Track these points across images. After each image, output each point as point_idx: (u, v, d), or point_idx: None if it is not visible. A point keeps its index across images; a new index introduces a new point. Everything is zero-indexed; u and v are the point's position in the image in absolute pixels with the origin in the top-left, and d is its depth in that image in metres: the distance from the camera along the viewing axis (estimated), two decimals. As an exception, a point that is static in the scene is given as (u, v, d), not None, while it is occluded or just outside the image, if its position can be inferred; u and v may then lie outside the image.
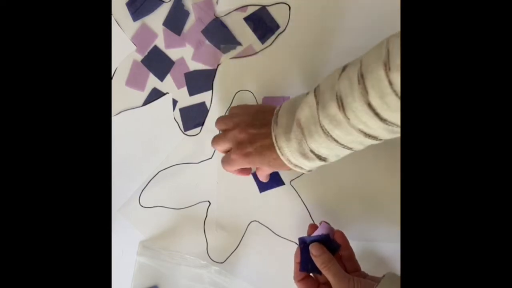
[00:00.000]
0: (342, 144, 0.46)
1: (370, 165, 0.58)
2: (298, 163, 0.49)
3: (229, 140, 0.53)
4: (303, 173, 0.53)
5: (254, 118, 0.52)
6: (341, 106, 0.44)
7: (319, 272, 0.51)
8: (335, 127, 0.45)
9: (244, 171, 0.56)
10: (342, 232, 0.54)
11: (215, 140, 0.55)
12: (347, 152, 0.48)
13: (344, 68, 0.46)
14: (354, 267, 0.53)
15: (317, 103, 0.46)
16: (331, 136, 0.45)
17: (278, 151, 0.49)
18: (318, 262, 0.51)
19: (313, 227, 0.55)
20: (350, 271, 0.52)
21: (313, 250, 0.52)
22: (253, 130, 0.51)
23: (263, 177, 0.57)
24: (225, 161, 0.54)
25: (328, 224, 0.54)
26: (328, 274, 0.50)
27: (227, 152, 0.54)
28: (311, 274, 0.53)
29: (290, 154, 0.49)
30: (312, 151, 0.47)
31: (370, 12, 0.59)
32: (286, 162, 0.50)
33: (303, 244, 0.53)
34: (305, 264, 0.53)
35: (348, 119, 0.44)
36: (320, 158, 0.48)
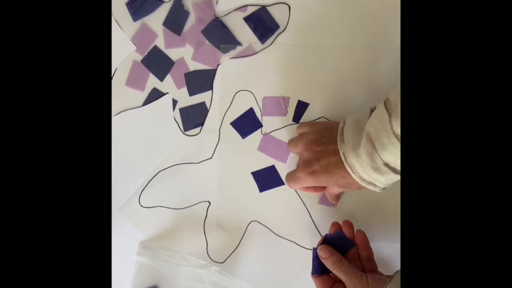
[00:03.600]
0: None
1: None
2: (371, 180, 0.47)
3: (300, 159, 0.54)
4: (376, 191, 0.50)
5: (321, 135, 0.52)
6: None
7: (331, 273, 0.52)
8: None
9: (317, 188, 0.56)
10: (363, 232, 0.54)
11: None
12: None
13: None
14: (371, 268, 0.53)
15: (390, 115, 0.44)
16: None
17: (349, 169, 0.48)
18: (328, 264, 0.52)
19: (336, 225, 0.55)
20: (367, 271, 0.52)
21: (321, 253, 0.52)
22: (318, 148, 0.51)
23: (333, 197, 0.56)
24: (290, 180, 0.55)
25: (351, 224, 0.54)
26: (339, 274, 0.50)
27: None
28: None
29: (362, 171, 0.47)
30: (386, 164, 0.45)
31: (370, 12, 0.59)
32: (358, 180, 0.48)
33: (314, 249, 0.54)
34: (317, 267, 0.53)
35: None
36: (395, 171, 0.46)
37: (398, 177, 0.47)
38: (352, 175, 0.48)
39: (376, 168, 0.46)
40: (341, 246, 0.53)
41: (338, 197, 0.57)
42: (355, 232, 0.54)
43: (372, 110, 0.48)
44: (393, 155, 0.44)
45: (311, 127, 0.55)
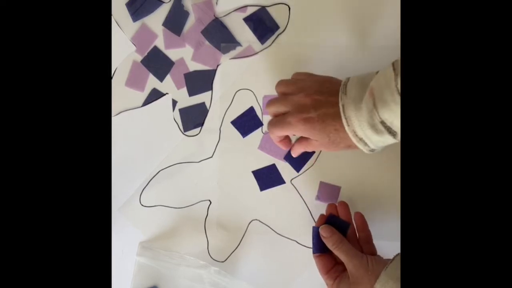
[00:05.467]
0: None
1: (370, 164, 0.58)
2: (363, 136, 0.47)
3: (289, 103, 0.51)
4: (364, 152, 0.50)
5: (322, 86, 0.50)
6: None
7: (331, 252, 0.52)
8: None
9: (286, 142, 0.54)
10: (361, 214, 0.54)
11: (272, 101, 0.52)
12: None
13: None
14: (370, 250, 0.53)
15: (396, 75, 0.43)
16: None
17: (344, 122, 0.47)
18: (328, 244, 0.52)
19: (331, 206, 0.55)
20: (366, 254, 0.51)
21: (323, 232, 0.52)
22: (319, 97, 0.49)
23: (298, 151, 0.55)
24: (277, 124, 0.52)
25: (346, 204, 0.55)
26: (340, 254, 0.50)
27: (279, 115, 0.52)
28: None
29: (358, 125, 0.46)
30: (383, 123, 0.45)
31: (369, 12, 0.60)
32: (350, 135, 0.48)
33: (313, 228, 0.54)
34: (317, 245, 0.53)
35: None
36: (390, 131, 0.45)
37: (390, 140, 0.47)
38: (346, 128, 0.47)
39: (373, 125, 0.46)
40: (336, 228, 0.53)
41: (299, 153, 0.56)
42: (352, 214, 0.54)
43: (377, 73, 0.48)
44: (392, 113, 0.44)
45: (310, 76, 0.53)
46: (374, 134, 0.46)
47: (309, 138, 0.52)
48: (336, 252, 0.51)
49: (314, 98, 0.49)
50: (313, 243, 0.54)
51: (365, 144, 0.48)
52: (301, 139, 0.54)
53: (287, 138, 0.55)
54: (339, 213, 0.55)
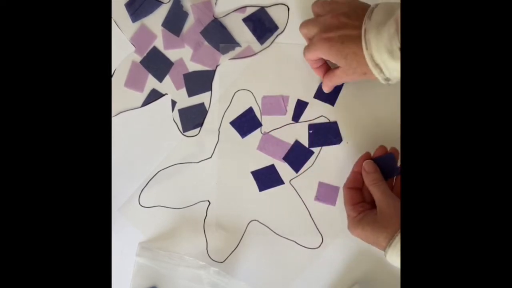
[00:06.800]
0: None
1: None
2: (380, 62, 0.47)
3: (319, 24, 0.52)
4: (380, 82, 0.50)
5: (352, 9, 0.51)
6: None
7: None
8: None
9: (321, 68, 0.56)
10: None
11: (304, 22, 0.54)
12: None
13: None
14: None
15: None
16: None
17: (363, 45, 0.47)
18: (368, 179, 0.52)
19: (382, 149, 0.54)
20: None
21: (366, 166, 0.52)
22: (345, 19, 0.50)
23: (328, 85, 0.56)
24: (306, 47, 0.54)
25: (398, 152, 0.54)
26: (377, 191, 0.50)
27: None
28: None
29: (376, 49, 0.46)
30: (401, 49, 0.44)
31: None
32: (367, 58, 0.48)
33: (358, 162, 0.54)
34: (353, 179, 0.54)
35: None
36: None
37: None
38: (365, 51, 0.47)
39: (391, 51, 0.45)
40: (385, 170, 0.53)
41: (331, 87, 0.57)
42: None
43: None
44: None
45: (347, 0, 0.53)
46: (391, 59, 0.46)
47: (333, 69, 0.53)
48: (374, 189, 0.51)
49: (340, 20, 0.50)
50: (349, 175, 0.55)
51: (381, 70, 0.48)
52: (328, 72, 0.55)
53: (323, 66, 0.56)
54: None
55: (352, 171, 0.55)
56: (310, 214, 0.59)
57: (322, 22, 0.51)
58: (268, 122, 0.60)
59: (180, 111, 0.61)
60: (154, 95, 0.61)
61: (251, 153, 0.60)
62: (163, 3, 0.61)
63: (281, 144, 0.60)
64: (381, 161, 0.53)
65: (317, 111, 0.60)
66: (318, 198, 0.59)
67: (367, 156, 0.54)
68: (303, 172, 0.59)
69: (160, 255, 0.59)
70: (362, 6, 0.51)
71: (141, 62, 0.61)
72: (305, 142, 0.60)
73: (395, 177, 0.54)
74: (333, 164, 0.59)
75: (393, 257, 0.47)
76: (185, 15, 0.61)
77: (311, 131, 0.59)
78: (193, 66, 0.61)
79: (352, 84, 0.59)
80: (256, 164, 0.60)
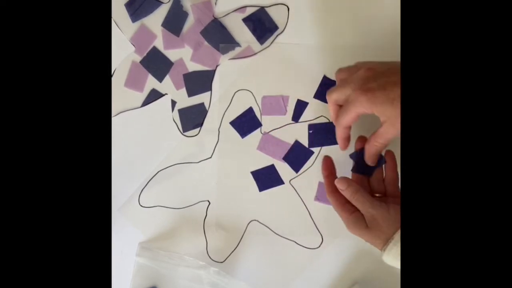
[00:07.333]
0: None
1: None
2: None
3: (352, 82, 0.49)
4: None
5: (378, 63, 0.49)
6: None
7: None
8: None
9: (347, 140, 0.53)
10: (393, 152, 0.53)
11: (333, 88, 0.51)
12: None
13: None
14: (395, 193, 0.52)
15: None
16: None
17: None
18: (346, 195, 0.51)
19: (362, 139, 0.54)
20: (389, 196, 0.51)
21: (339, 185, 0.51)
22: (380, 69, 0.48)
23: (370, 153, 0.52)
24: (341, 111, 0.50)
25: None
26: (359, 205, 0.50)
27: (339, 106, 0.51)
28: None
29: None
30: None
31: (368, 13, 0.60)
32: None
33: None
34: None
35: None
36: None
37: None
38: None
39: None
40: (364, 164, 0.53)
41: (377, 155, 0.52)
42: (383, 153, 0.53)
43: None
44: None
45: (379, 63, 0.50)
46: None
47: (373, 134, 0.50)
48: (355, 203, 0.50)
49: (375, 70, 0.48)
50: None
51: None
52: (367, 140, 0.52)
53: (349, 136, 0.53)
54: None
55: (323, 177, 0.55)
56: (310, 214, 0.59)
57: (356, 79, 0.48)
58: (268, 122, 0.60)
59: (180, 111, 0.61)
60: (154, 95, 0.61)
61: (251, 153, 0.60)
62: (163, 3, 0.61)
63: (281, 144, 0.60)
64: (361, 156, 0.53)
65: (317, 111, 0.60)
66: (318, 198, 0.59)
67: (327, 161, 0.55)
68: (303, 172, 0.59)
69: (160, 255, 0.59)
70: (388, 62, 0.50)
71: (141, 62, 0.61)
72: (305, 142, 0.60)
73: (383, 165, 0.54)
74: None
75: (390, 258, 0.48)
76: (185, 15, 0.61)
77: (311, 131, 0.59)
78: (193, 66, 0.61)
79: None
80: (256, 164, 0.60)
